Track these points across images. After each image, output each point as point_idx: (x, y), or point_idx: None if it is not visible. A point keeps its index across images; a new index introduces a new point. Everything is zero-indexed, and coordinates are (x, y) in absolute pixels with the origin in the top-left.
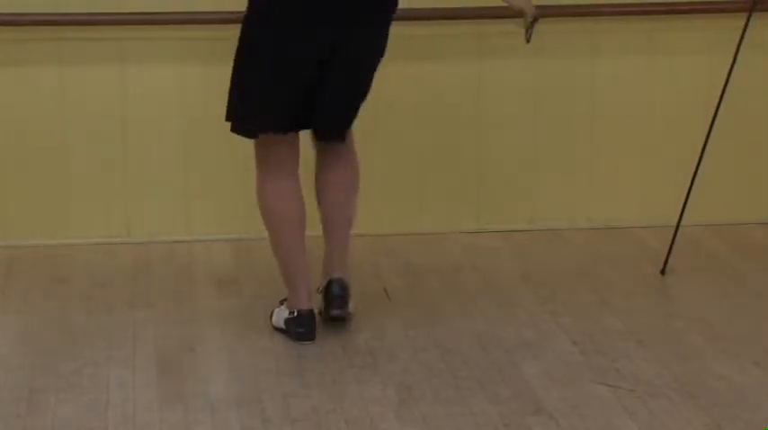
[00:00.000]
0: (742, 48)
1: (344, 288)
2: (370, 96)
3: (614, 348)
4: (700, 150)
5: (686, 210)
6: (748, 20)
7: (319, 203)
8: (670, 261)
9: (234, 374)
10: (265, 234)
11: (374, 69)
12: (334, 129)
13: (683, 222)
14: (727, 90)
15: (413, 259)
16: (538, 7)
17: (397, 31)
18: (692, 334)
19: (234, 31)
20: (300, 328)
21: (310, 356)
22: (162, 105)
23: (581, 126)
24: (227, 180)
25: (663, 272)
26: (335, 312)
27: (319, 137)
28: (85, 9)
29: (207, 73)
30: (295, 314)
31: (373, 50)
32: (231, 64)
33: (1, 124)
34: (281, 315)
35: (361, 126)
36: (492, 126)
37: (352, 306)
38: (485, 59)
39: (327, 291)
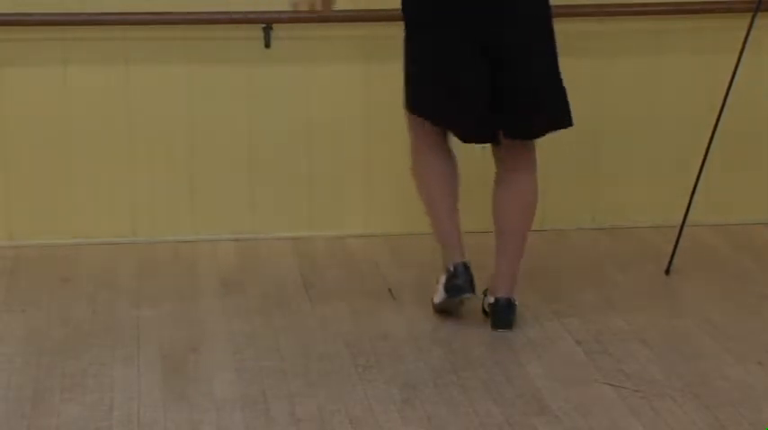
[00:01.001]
0: (747, 48)
1: (512, 307)
2: (370, 96)
3: (619, 348)
4: (704, 150)
5: (691, 210)
6: (753, 20)
7: (493, 215)
8: (675, 261)
9: (238, 374)
10: (270, 234)
11: (540, 60)
12: (511, 127)
13: (687, 222)
14: (732, 90)
15: (417, 259)
16: None
17: (397, 32)
18: (697, 334)
19: (238, 32)
20: (457, 280)
21: (315, 356)
22: (167, 105)
23: (586, 126)
24: (232, 179)
25: (667, 272)
26: (500, 330)
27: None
28: (90, 9)
29: (212, 73)
30: (452, 269)
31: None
32: (234, 64)
33: (6, 124)
34: (440, 286)
35: (361, 126)
36: None
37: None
38: None
39: (495, 308)
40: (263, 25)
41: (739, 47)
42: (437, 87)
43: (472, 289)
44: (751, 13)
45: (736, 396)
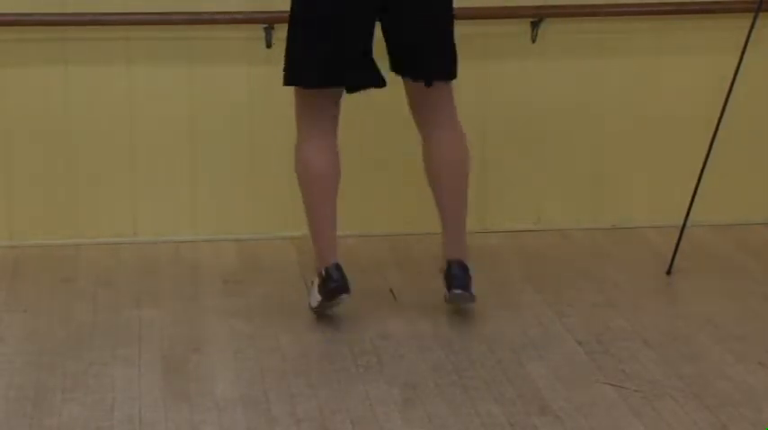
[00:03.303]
0: (748, 48)
1: (464, 269)
2: (371, 96)
3: (620, 348)
4: (706, 150)
5: (692, 211)
6: (754, 20)
7: (429, 182)
8: (676, 261)
9: (239, 374)
10: (270, 234)
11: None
12: (412, 70)
13: (689, 222)
14: (734, 90)
15: (418, 259)
16: (543, 7)
17: None
18: (698, 334)
19: (239, 32)
20: (333, 283)
21: (316, 356)
22: (168, 105)
23: (586, 125)
24: (233, 180)
25: (669, 272)
26: (457, 291)
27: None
28: (91, 9)
29: (213, 73)
30: (324, 273)
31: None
32: (235, 64)
33: (7, 124)
34: (314, 290)
35: (363, 126)
36: (495, 125)
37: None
38: (489, 60)
39: (448, 272)
40: (265, 25)
41: (740, 47)
42: (325, 41)
43: (347, 289)
44: (751, 13)
45: (738, 396)
